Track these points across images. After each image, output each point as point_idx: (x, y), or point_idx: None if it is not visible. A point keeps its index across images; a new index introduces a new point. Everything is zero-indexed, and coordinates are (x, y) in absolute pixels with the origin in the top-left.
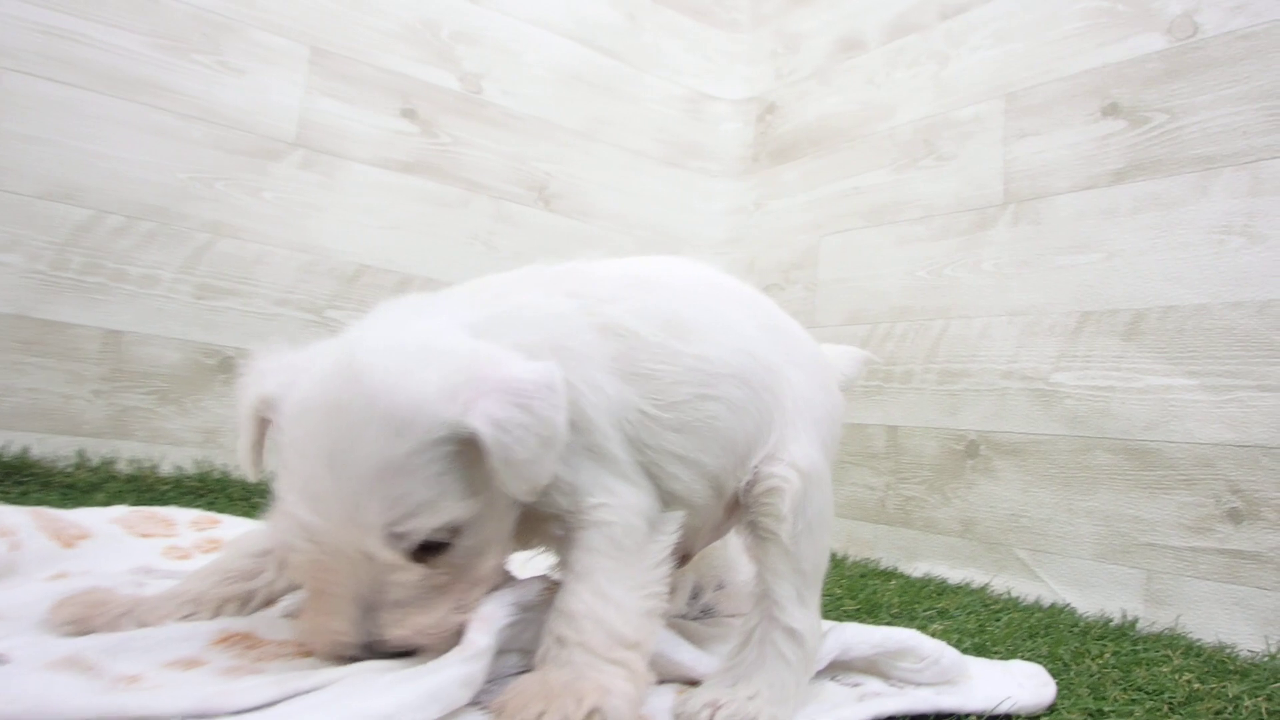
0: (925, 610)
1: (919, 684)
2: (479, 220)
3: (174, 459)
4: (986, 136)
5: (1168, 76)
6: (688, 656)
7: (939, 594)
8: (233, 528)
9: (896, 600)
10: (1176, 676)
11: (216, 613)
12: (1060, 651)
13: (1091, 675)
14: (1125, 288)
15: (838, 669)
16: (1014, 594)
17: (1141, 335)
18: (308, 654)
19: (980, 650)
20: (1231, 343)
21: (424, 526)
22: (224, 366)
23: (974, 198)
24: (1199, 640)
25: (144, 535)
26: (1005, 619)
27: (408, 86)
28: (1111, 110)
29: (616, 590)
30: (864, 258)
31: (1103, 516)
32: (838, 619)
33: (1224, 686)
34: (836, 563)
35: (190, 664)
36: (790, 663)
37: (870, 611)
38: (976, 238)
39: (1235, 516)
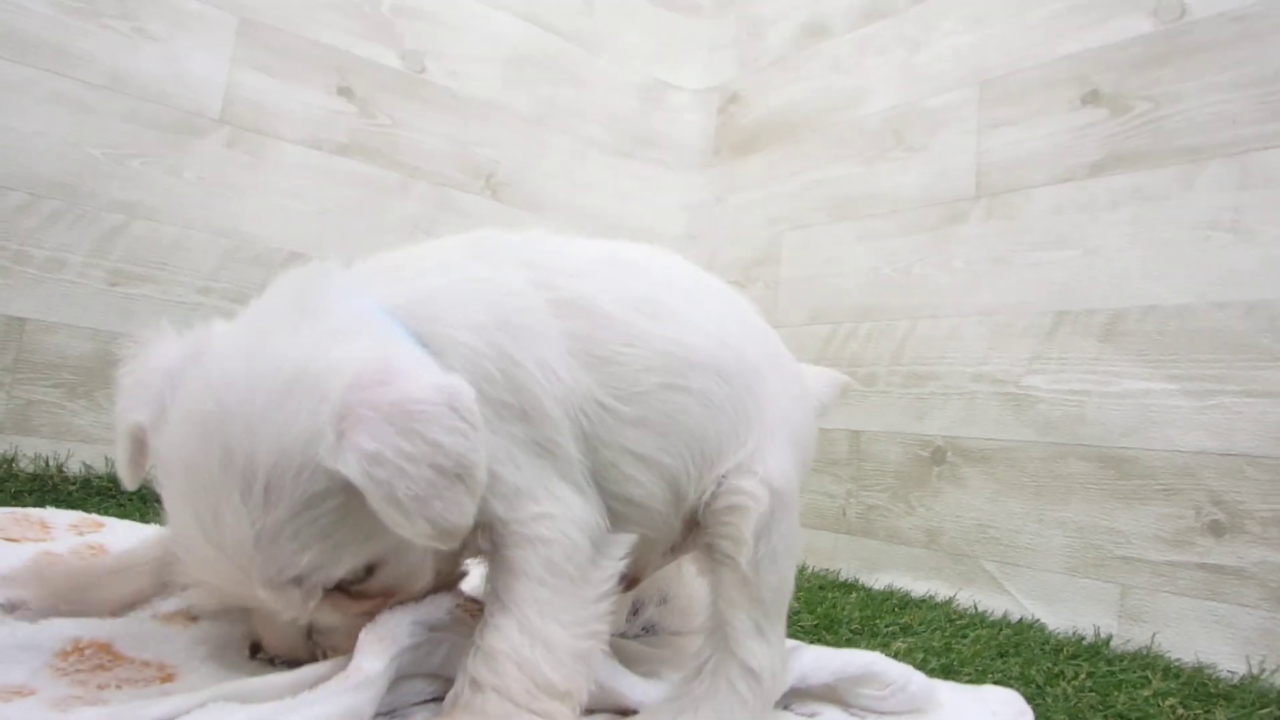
0: (887, 626)
1: (882, 713)
2: (419, 208)
3: (83, 457)
4: (959, 126)
5: (1153, 62)
6: (625, 683)
7: (902, 608)
8: (117, 531)
9: (857, 615)
10: (1159, 701)
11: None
12: (1032, 673)
13: (1068, 700)
14: (1104, 286)
15: (792, 697)
16: (981, 608)
17: (1120, 337)
18: (168, 678)
19: (947, 672)
20: (1217, 345)
21: (321, 581)
22: None
23: (944, 191)
24: (1177, 660)
25: (12, 540)
26: (972, 635)
27: (344, 62)
28: (1092, 98)
29: (548, 627)
30: (828, 254)
31: (1075, 528)
32: (794, 635)
33: (1210, 713)
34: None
35: (15, 693)
36: (745, 701)
37: (829, 627)
38: (947, 233)
39: (1217, 529)
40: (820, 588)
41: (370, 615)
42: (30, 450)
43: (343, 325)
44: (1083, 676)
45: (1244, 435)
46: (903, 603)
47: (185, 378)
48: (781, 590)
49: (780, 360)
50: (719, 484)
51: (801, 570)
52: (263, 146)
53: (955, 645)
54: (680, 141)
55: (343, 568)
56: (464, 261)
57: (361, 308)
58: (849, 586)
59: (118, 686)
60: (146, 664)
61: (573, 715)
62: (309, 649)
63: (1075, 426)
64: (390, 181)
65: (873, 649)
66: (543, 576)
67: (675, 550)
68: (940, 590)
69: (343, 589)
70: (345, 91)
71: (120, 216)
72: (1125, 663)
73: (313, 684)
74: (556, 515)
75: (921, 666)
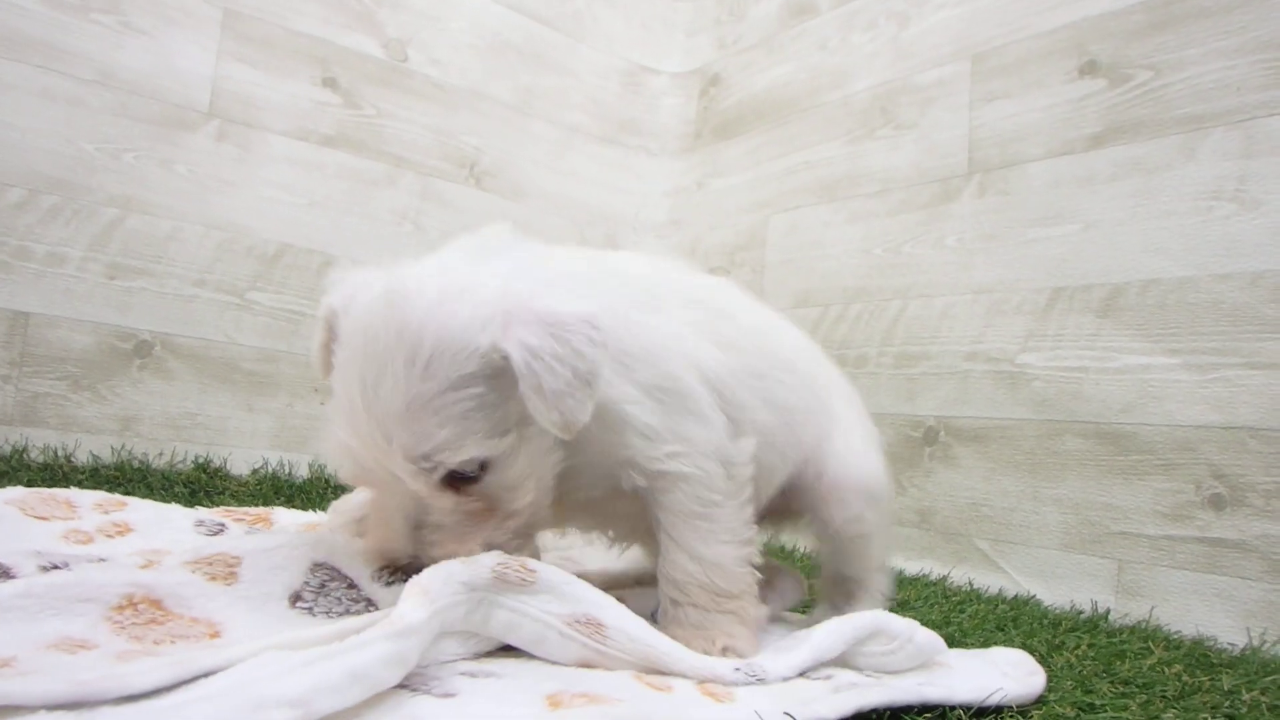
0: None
1: (895, 671)
2: (406, 198)
3: (89, 448)
4: (950, 101)
5: (1153, 29)
6: (662, 644)
7: (896, 585)
8: (141, 510)
9: None
10: (1163, 669)
11: None
12: (1034, 644)
13: (1073, 668)
14: (1102, 261)
15: (809, 668)
16: (975, 585)
17: (1119, 311)
18: (215, 634)
19: (950, 643)
20: (1219, 318)
21: (447, 462)
22: (140, 350)
23: (936, 168)
24: (1177, 632)
25: (41, 518)
26: (970, 610)
27: (328, 53)
28: (1089, 69)
29: (712, 549)
30: (815, 237)
31: (1071, 505)
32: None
33: (1216, 679)
34: (784, 556)
35: (77, 646)
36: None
37: None
38: (938, 211)
39: (1218, 503)
40: (816, 566)
41: (475, 519)
42: (40, 441)
43: (513, 263)
44: (1084, 647)
45: (1247, 408)
46: (897, 581)
47: (376, 282)
48: (885, 552)
49: (836, 380)
50: (820, 478)
51: (790, 553)
52: (251, 139)
53: (954, 619)
54: (661, 127)
55: (466, 453)
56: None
57: (528, 253)
58: None
59: (172, 641)
60: (196, 620)
61: (750, 606)
62: (414, 546)
63: (1072, 403)
64: (376, 173)
65: None
66: (694, 510)
67: (771, 508)
68: (933, 569)
69: (457, 482)
70: (330, 82)
71: (116, 211)
72: (1125, 635)
73: (359, 631)
74: (692, 452)
75: None
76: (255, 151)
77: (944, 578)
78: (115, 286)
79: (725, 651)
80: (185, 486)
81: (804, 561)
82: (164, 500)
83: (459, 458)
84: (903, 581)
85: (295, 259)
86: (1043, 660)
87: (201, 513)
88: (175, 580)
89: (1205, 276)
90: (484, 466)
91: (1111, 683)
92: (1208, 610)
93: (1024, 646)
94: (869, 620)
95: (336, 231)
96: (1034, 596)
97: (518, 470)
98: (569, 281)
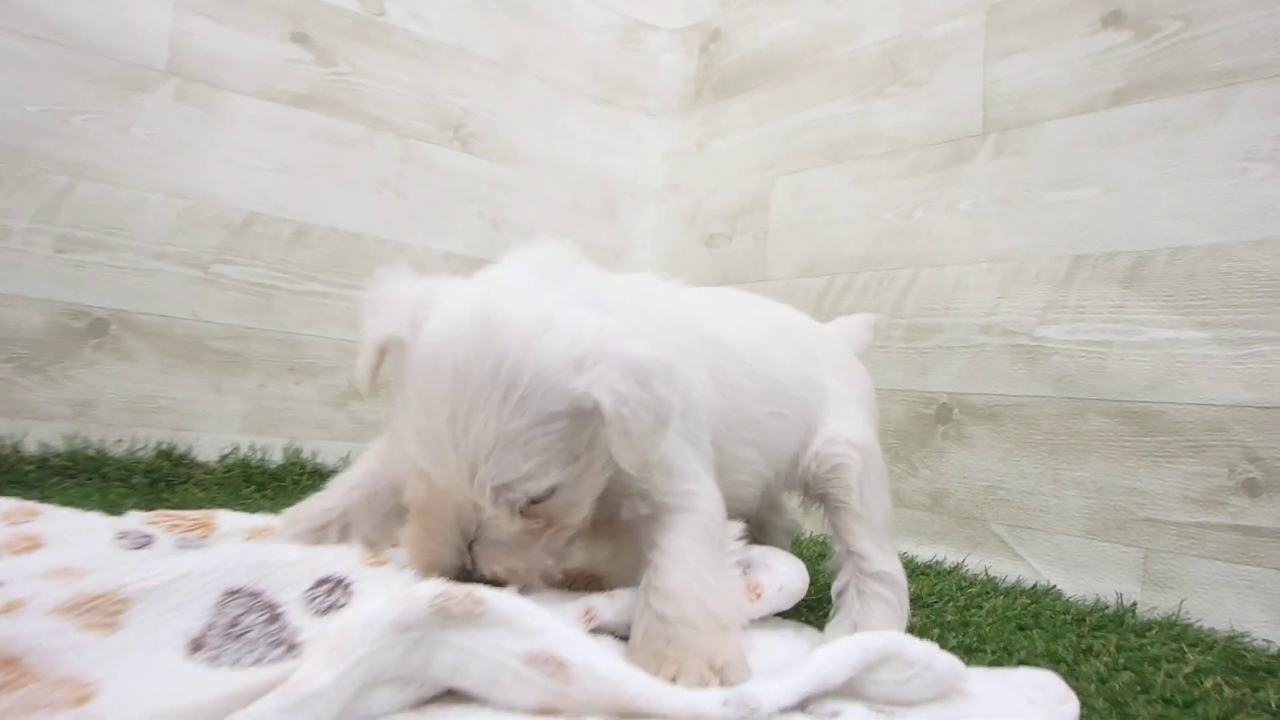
0: None
1: (908, 703)
2: (385, 162)
3: (39, 436)
4: (964, 56)
5: None
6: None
7: (908, 575)
8: (55, 521)
9: None
10: (1201, 680)
11: None
12: (1058, 648)
13: (1103, 681)
14: (1126, 227)
15: (811, 700)
16: (992, 574)
17: (1145, 281)
18: (83, 699)
19: (968, 651)
20: (1254, 288)
21: (530, 491)
22: (95, 329)
23: (949, 128)
24: (1210, 629)
25: None
26: (988, 606)
27: (298, 6)
28: (1113, 20)
29: (709, 575)
30: (821, 201)
31: (1094, 488)
32: (793, 613)
33: (1260, 692)
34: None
35: None
36: (888, 599)
37: (831, 599)
38: (951, 174)
39: (1252, 488)
40: (820, 555)
41: (530, 535)
42: None
43: (581, 291)
44: (1112, 650)
45: None
46: (908, 569)
47: (445, 304)
48: (886, 518)
49: (833, 356)
50: (816, 456)
51: (797, 540)
52: (214, 100)
53: (971, 619)
54: (659, 86)
55: (545, 482)
56: (635, 289)
57: (592, 281)
58: None
59: (26, 714)
60: (61, 682)
61: (739, 643)
62: (462, 560)
63: (1094, 380)
64: (353, 134)
65: None
66: (700, 536)
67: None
68: (946, 555)
69: (528, 504)
70: (300, 38)
71: (66, 178)
72: (1153, 633)
73: (256, 696)
74: (703, 493)
75: (938, 645)
76: (219, 113)
77: (959, 565)
78: (66, 260)
79: (724, 669)
80: (145, 475)
81: (816, 547)
82: (121, 494)
83: (541, 487)
84: (915, 571)
85: (265, 228)
86: (1071, 670)
87: (132, 520)
88: (39, 630)
89: (1239, 243)
90: (553, 490)
91: (1149, 701)
92: (1240, 604)
93: (1049, 651)
94: (881, 642)
95: (309, 198)
96: (1054, 587)
97: (580, 491)
98: (640, 317)
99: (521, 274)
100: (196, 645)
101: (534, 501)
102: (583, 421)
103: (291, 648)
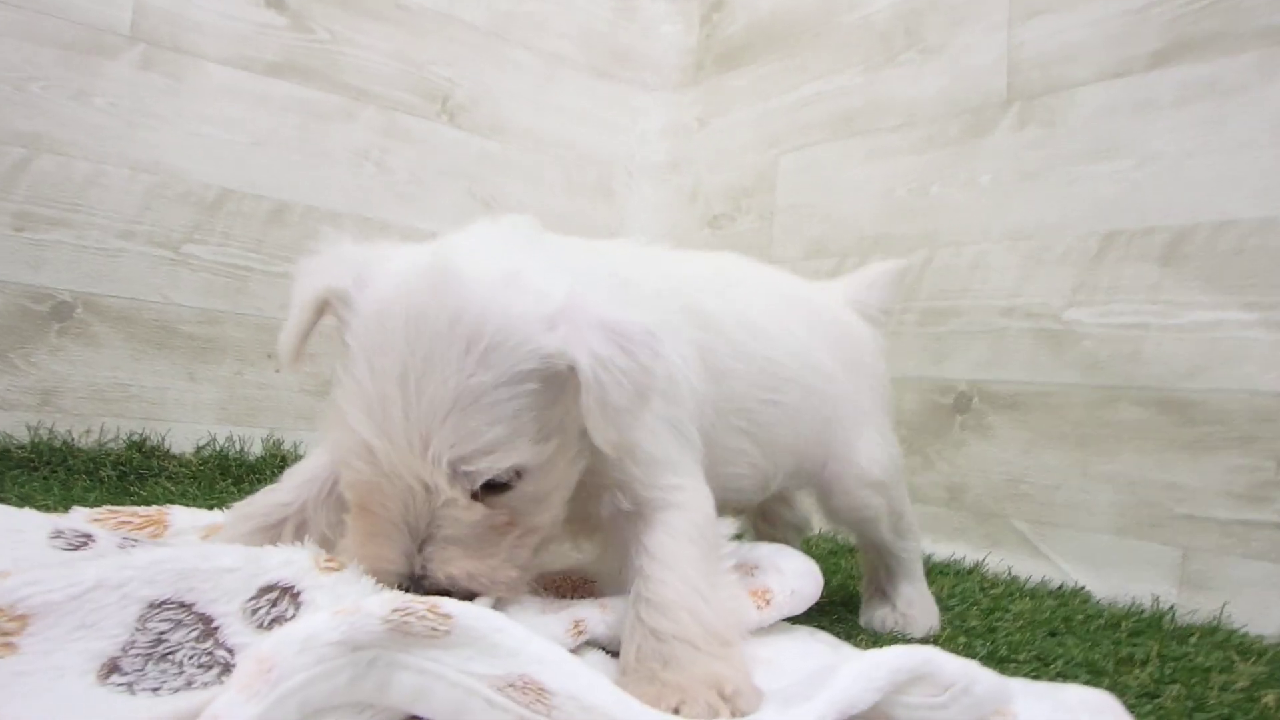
0: None
1: None
2: (367, 135)
3: (2, 426)
4: (986, 19)
5: None
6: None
7: (927, 575)
8: None
9: None
10: (1257, 694)
11: None
12: (1096, 657)
13: (1150, 694)
14: (1164, 200)
15: None
16: (1014, 573)
17: (1184, 259)
18: None
19: (1000, 664)
20: None
21: (493, 467)
22: (58, 313)
23: (968, 97)
24: (1257, 635)
25: None
26: (1014, 610)
27: None
28: None
29: (704, 582)
30: (830, 178)
31: (1127, 483)
32: (805, 618)
33: None
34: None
35: None
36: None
37: (845, 601)
38: (971, 147)
39: None
40: (831, 553)
41: (494, 533)
42: None
43: (550, 256)
44: (1155, 659)
45: None
46: (926, 568)
47: (395, 260)
48: (906, 510)
49: (846, 346)
50: (839, 495)
51: (808, 539)
52: (182, 67)
53: (999, 624)
54: (658, 57)
55: (510, 458)
56: (617, 254)
57: (562, 247)
58: None
59: None
60: None
61: (744, 663)
62: (411, 565)
63: (1128, 366)
64: (332, 106)
65: None
66: (692, 536)
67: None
68: (965, 553)
69: (489, 489)
70: (275, 2)
71: (21, 150)
72: (1195, 639)
73: None
74: (691, 489)
75: (964, 655)
76: (188, 82)
77: (979, 564)
78: (24, 239)
79: (735, 696)
80: (115, 468)
81: (826, 544)
82: (85, 487)
83: (503, 463)
84: (932, 569)
85: (239, 205)
86: (1114, 683)
87: (74, 517)
88: None
89: None
90: (519, 475)
91: None
92: None
93: (1087, 660)
94: (911, 660)
95: (286, 173)
96: (1083, 588)
97: (550, 481)
98: (618, 286)
99: (480, 236)
100: (110, 668)
101: (496, 487)
102: (555, 390)
103: (226, 669)
